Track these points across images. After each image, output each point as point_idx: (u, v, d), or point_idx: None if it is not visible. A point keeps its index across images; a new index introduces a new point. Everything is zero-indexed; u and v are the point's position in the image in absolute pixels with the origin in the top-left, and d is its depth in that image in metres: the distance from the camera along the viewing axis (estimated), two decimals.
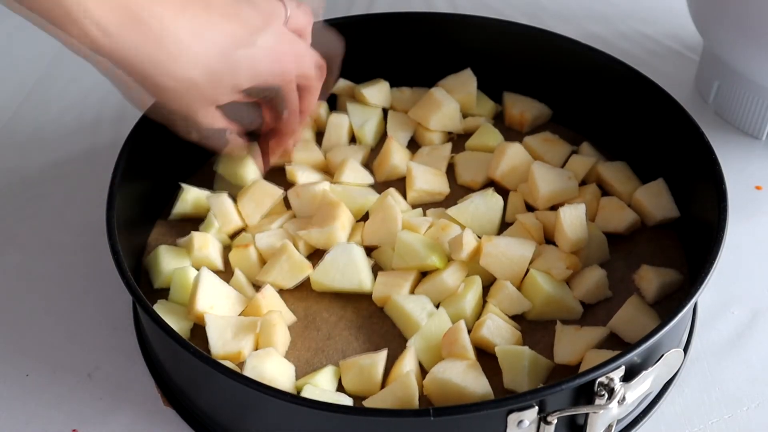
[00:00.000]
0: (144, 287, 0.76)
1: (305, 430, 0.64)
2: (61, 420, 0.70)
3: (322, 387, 0.67)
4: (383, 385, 0.69)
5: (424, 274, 0.76)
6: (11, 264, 0.83)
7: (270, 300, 0.73)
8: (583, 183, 0.83)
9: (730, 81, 0.93)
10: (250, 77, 0.68)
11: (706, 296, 0.78)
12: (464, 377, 0.66)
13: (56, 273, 0.81)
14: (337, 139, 0.88)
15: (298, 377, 0.70)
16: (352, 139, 0.90)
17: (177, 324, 0.71)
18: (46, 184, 0.91)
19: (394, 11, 0.93)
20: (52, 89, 1.03)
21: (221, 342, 0.69)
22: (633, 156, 0.85)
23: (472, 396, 0.65)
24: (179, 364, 0.68)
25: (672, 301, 0.75)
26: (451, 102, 0.89)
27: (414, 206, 0.83)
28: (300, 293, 0.76)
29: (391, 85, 0.92)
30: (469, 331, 0.70)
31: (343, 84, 0.91)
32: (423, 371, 0.69)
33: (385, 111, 0.92)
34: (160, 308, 0.72)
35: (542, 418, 0.60)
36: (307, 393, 0.66)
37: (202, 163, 0.87)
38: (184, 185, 0.82)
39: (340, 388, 0.69)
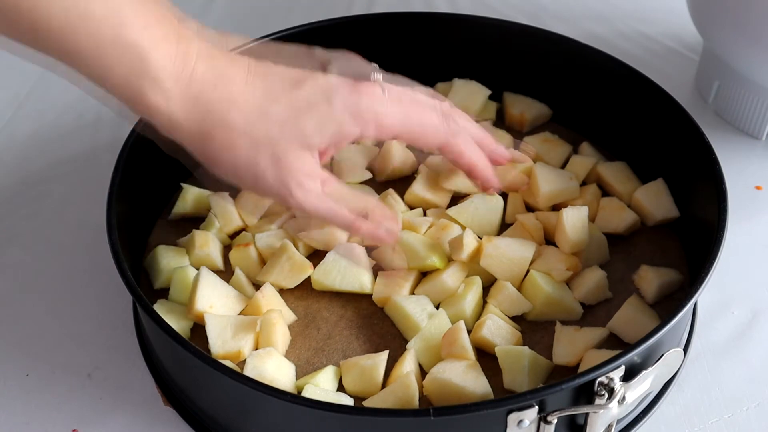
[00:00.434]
0: (144, 287, 0.76)
1: (306, 429, 0.64)
2: (61, 420, 0.70)
3: (323, 387, 0.67)
4: (384, 385, 0.69)
5: (424, 275, 0.76)
6: (11, 263, 0.83)
7: (270, 299, 0.73)
8: (583, 183, 0.83)
9: (730, 81, 0.93)
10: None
11: (706, 296, 0.78)
12: (464, 377, 0.66)
13: (56, 273, 0.81)
14: None
15: (298, 377, 0.70)
16: None
17: (177, 323, 0.71)
18: (46, 184, 0.90)
19: (394, 11, 0.93)
20: (52, 89, 1.03)
21: (221, 341, 0.69)
22: (633, 156, 0.85)
23: (472, 396, 0.65)
24: (179, 363, 0.68)
25: (672, 301, 0.75)
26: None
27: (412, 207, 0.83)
28: (300, 292, 0.76)
29: None
30: (469, 332, 0.70)
31: None
32: (423, 372, 0.69)
33: None
34: (160, 308, 0.72)
35: (542, 418, 0.60)
36: (308, 393, 0.66)
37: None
38: (184, 185, 0.82)
39: (341, 388, 0.69)
